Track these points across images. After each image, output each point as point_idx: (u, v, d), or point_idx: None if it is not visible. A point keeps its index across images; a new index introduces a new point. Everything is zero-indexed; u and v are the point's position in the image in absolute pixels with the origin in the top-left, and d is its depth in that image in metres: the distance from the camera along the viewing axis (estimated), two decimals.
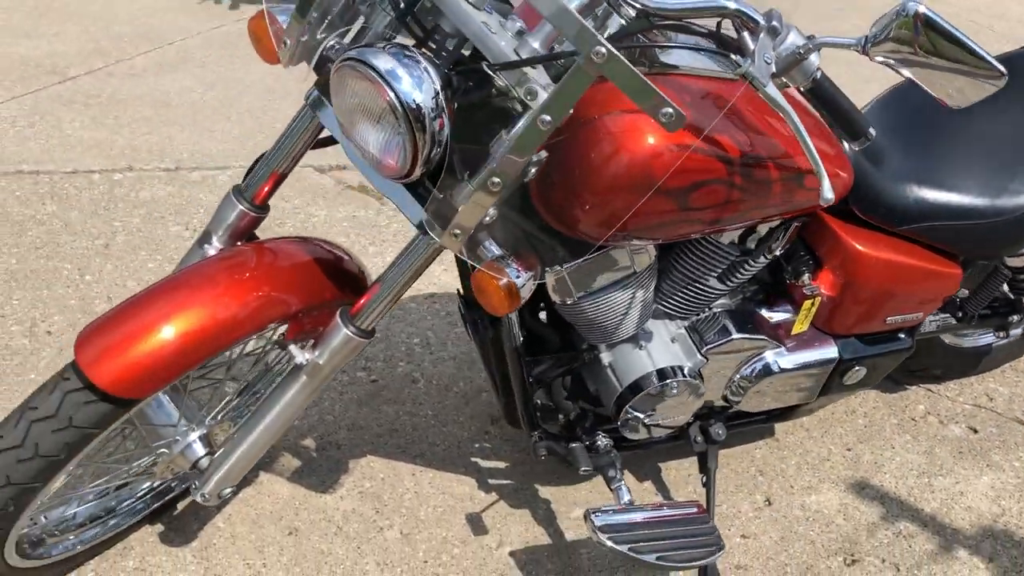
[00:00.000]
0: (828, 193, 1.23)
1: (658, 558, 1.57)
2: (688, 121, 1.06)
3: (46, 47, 3.98)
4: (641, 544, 1.57)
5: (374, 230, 2.84)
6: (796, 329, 1.73)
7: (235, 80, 3.85)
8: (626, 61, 1.04)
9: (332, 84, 1.22)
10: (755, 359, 1.71)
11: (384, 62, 1.14)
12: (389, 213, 2.93)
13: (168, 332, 1.27)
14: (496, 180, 1.15)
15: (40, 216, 2.76)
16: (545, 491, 1.94)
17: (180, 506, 1.83)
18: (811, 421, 2.14)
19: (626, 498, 1.66)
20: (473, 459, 2.01)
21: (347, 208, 2.93)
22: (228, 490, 1.52)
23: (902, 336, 1.84)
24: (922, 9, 1.10)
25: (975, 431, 2.17)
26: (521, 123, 1.11)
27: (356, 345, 1.38)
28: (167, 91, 3.70)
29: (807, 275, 1.67)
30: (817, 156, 1.22)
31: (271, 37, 1.33)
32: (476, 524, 1.85)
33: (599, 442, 1.73)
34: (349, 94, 1.20)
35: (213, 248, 1.47)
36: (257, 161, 1.50)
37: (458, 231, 1.21)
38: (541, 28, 1.16)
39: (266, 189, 1.47)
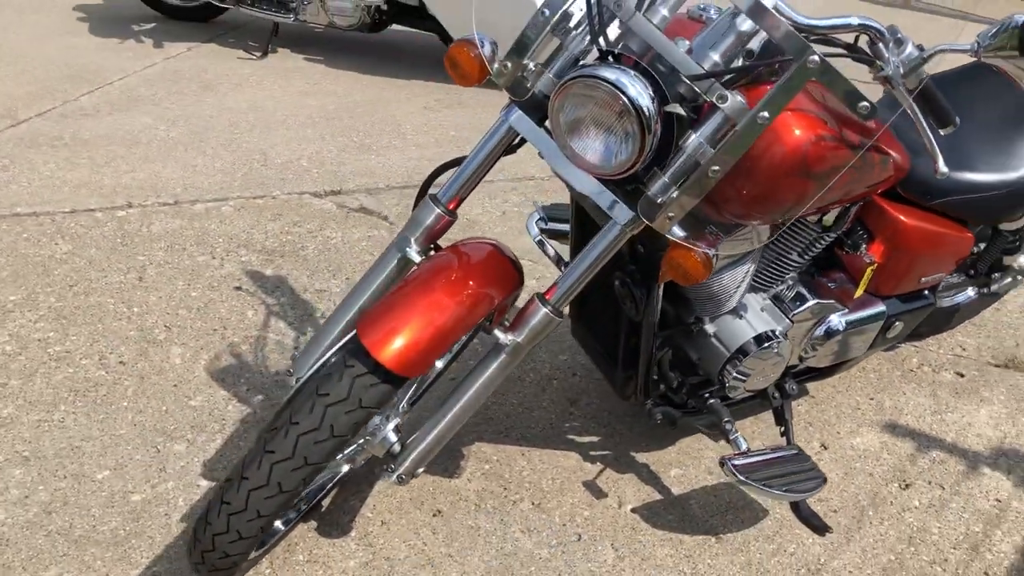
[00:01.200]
0: (943, 167, 1.55)
1: (785, 490, 1.85)
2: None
3: None
4: (767, 481, 1.85)
5: None
6: (857, 293, 2.05)
7: (195, 116, 3.90)
8: (833, 67, 1.32)
9: (556, 100, 1.44)
10: (826, 321, 2.03)
11: (617, 75, 1.37)
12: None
13: (435, 319, 1.45)
14: (716, 168, 1.40)
15: (58, 255, 2.76)
16: (641, 456, 2.17)
17: (325, 502, 1.95)
18: (834, 380, 2.48)
19: (744, 446, 1.93)
20: (568, 436, 2.22)
21: (359, 230, 3.07)
22: (421, 469, 1.68)
23: (927, 294, 2.21)
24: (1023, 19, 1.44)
25: (961, 375, 2.57)
26: (744, 121, 1.37)
27: (553, 324, 1.59)
28: (130, 130, 3.70)
29: (864, 246, 2.00)
30: (935, 141, 1.54)
31: (474, 61, 1.54)
32: (594, 489, 2.06)
33: (712, 402, 2.00)
34: (577, 107, 1.42)
35: (413, 249, 1.63)
36: (438, 171, 1.69)
37: (672, 214, 1.46)
38: (719, 44, 1.44)
39: (459, 196, 1.65)
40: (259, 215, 3.10)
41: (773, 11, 1.33)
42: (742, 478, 1.81)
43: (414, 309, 1.45)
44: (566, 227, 2.10)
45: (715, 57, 1.45)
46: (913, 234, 2.00)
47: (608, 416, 2.30)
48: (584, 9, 1.47)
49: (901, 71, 1.46)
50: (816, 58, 1.31)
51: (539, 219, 2.20)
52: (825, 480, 1.90)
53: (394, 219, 3.16)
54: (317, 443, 1.41)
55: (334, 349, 1.53)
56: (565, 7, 1.49)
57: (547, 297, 1.58)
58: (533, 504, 2.01)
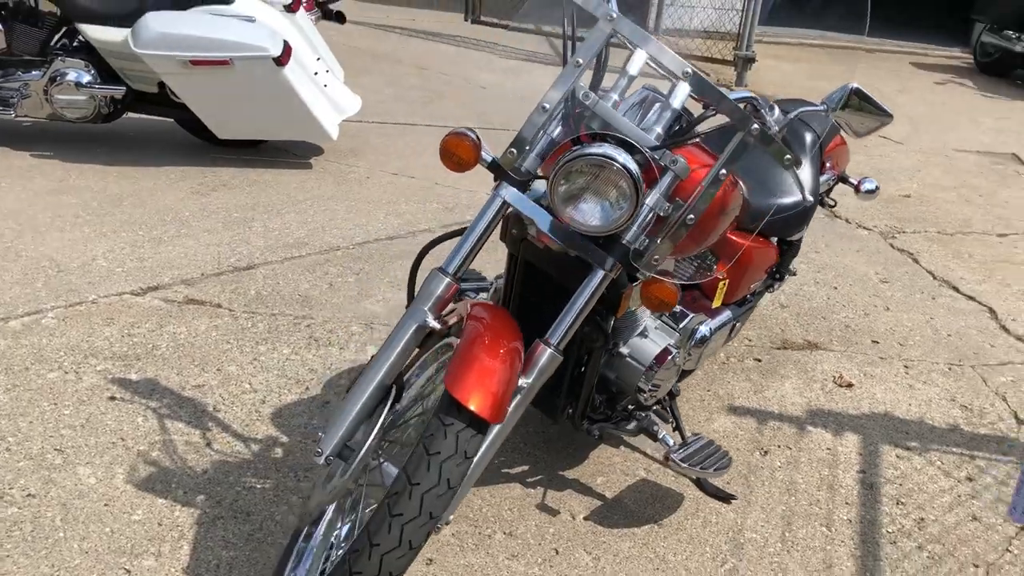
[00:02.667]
0: (809, 196, 2.07)
1: (715, 469, 2.26)
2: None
3: None
4: (702, 464, 2.25)
5: (241, 333, 3.02)
6: (715, 304, 2.55)
7: None
8: (771, 134, 1.77)
9: (557, 177, 1.73)
10: (698, 331, 2.49)
11: (618, 153, 1.71)
12: (242, 320, 3.11)
13: (504, 371, 1.65)
14: (692, 217, 1.79)
15: None
16: (569, 473, 2.47)
17: None
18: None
19: (672, 442, 2.32)
20: (502, 471, 2.44)
21: (201, 321, 3.04)
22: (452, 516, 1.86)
23: (750, 298, 2.77)
24: (856, 85, 2.00)
25: (759, 360, 3.20)
26: (707, 179, 1.77)
27: (556, 362, 1.85)
28: None
29: (714, 267, 2.50)
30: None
31: (472, 151, 1.79)
32: (548, 509, 2.32)
33: (636, 413, 2.36)
34: (580, 181, 1.73)
35: (430, 318, 1.81)
36: (433, 243, 1.90)
37: (658, 257, 1.81)
38: (660, 119, 1.84)
39: (463, 264, 1.86)
40: (88, 322, 2.96)
41: (720, 90, 1.75)
42: (685, 467, 2.20)
43: (489, 365, 1.65)
44: None
45: (658, 129, 1.84)
46: (749, 253, 2.54)
47: (525, 446, 2.57)
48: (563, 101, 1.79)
49: (776, 128, 1.95)
50: (756, 127, 1.75)
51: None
52: (731, 459, 2.35)
53: (229, 305, 3.17)
54: (439, 497, 1.55)
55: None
56: (559, 105, 1.79)
57: (549, 341, 1.85)
58: (505, 534, 2.23)
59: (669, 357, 2.26)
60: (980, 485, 2.61)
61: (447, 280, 1.83)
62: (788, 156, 1.78)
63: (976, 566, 2.29)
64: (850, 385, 3.07)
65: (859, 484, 2.57)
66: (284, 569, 1.85)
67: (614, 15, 1.76)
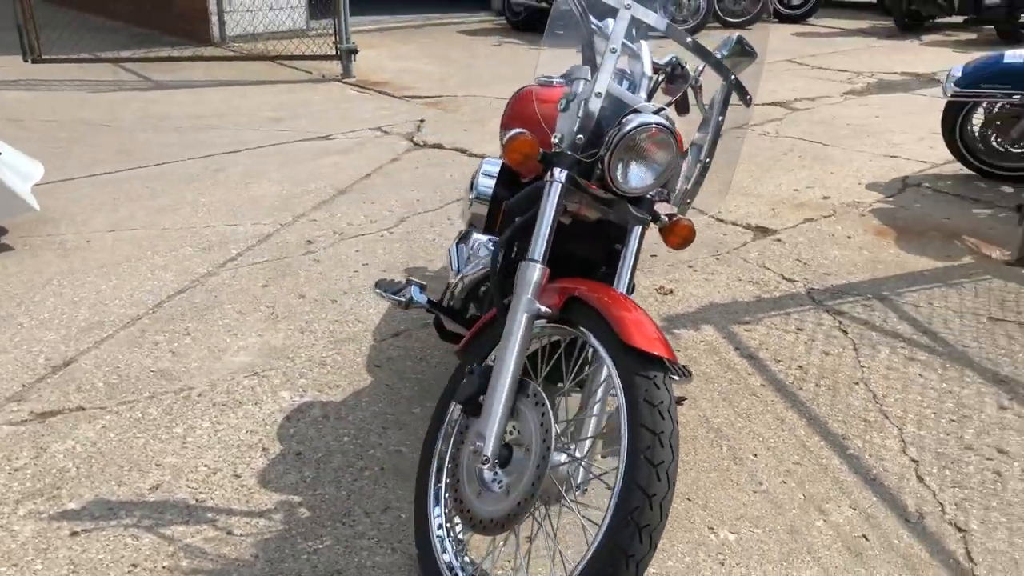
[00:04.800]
0: None
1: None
2: None
3: None
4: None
5: (139, 425, 2.73)
6: None
7: None
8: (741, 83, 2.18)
9: (623, 149, 1.97)
10: None
11: (669, 123, 2.00)
12: (125, 413, 2.79)
13: (650, 319, 1.87)
14: (708, 161, 2.15)
15: None
16: None
17: None
18: None
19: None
20: None
21: (86, 426, 2.68)
22: None
23: None
24: (740, 34, 2.49)
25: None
26: (714, 126, 2.13)
27: None
28: None
29: None
30: None
31: (535, 147, 1.96)
32: None
33: None
34: (646, 150, 1.99)
35: (536, 303, 1.94)
36: (515, 234, 2.02)
37: (690, 200, 2.15)
38: (639, 87, 2.18)
39: (546, 248, 1.99)
40: None
41: (712, 53, 2.12)
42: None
43: (639, 317, 1.85)
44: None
45: (643, 95, 2.17)
46: None
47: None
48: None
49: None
50: (734, 78, 2.15)
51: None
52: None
53: (91, 404, 2.80)
54: (676, 443, 1.74)
55: None
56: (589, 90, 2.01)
57: (624, 293, 2.10)
58: None
59: None
60: (808, 330, 3.37)
61: (540, 267, 1.98)
62: (748, 96, 2.22)
63: (855, 383, 3.01)
64: (671, 292, 3.67)
65: (743, 357, 3.17)
66: None
67: (629, 3, 2.02)
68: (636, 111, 2.01)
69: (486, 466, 1.88)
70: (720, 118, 2.16)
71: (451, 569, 2.01)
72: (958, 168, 5.33)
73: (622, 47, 2.10)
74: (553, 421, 1.87)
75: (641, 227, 2.15)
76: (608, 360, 1.86)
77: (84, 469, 2.48)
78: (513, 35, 10.68)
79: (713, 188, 2.21)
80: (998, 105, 4.98)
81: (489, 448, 1.87)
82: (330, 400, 2.85)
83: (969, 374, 3.08)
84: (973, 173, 5.26)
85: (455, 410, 2.19)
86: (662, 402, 1.76)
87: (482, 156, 5.52)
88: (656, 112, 2.04)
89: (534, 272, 1.97)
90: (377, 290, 2.85)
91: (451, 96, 7.33)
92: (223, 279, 3.72)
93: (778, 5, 11.93)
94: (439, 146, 5.85)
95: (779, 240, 4.26)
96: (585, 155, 2.03)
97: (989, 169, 5.19)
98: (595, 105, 2.00)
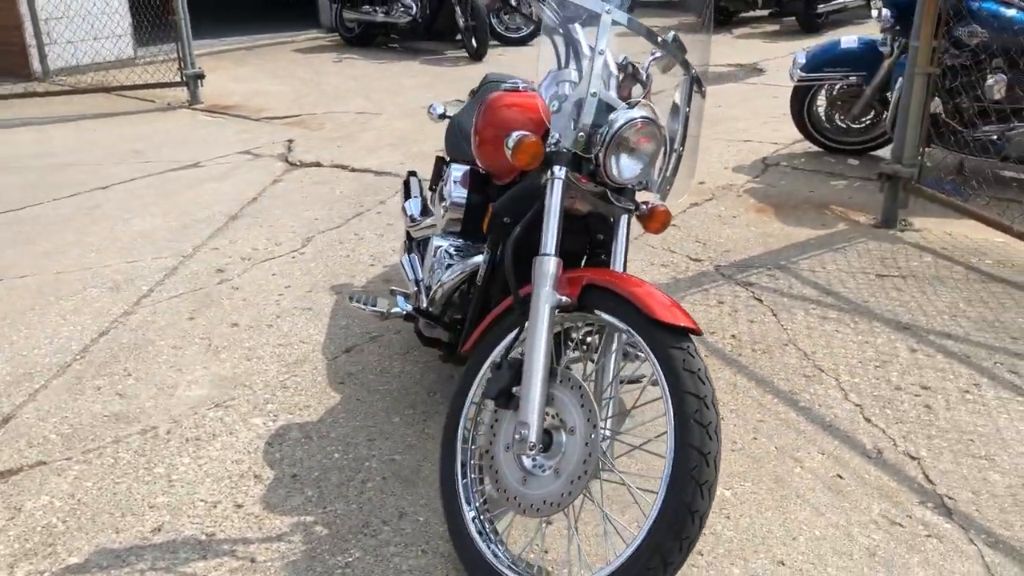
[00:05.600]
0: None
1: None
2: None
3: None
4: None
5: (113, 472, 2.62)
6: None
7: None
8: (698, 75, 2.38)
9: (615, 144, 2.11)
10: None
11: (652, 115, 2.16)
12: (93, 462, 2.67)
13: (667, 295, 2.01)
14: (681, 150, 2.32)
15: None
16: None
17: None
18: None
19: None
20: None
21: (57, 480, 2.56)
22: None
23: None
24: (675, 33, 2.68)
25: None
26: (683, 117, 2.31)
27: None
28: None
29: None
30: None
31: (539, 148, 2.07)
32: None
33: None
34: (636, 143, 2.13)
35: (557, 294, 2.04)
36: (523, 233, 2.11)
37: (670, 187, 2.32)
38: (609, 86, 2.35)
39: (558, 241, 2.10)
40: None
41: (672, 45, 2.29)
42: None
43: (660, 294, 2.00)
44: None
45: (613, 94, 2.32)
46: None
47: None
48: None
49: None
50: (695, 71, 2.34)
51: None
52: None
53: (49, 457, 2.66)
54: (715, 403, 1.89)
55: None
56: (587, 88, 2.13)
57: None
58: None
59: None
60: (728, 303, 3.64)
61: (555, 259, 2.09)
62: (704, 88, 2.42)
63: (785, 345, 3.30)
64: None
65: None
66: None
67: (609, 7, 2.16)
68: (614, 108, 2.17)
69: (533, 452, 1.97)
70: (687, 109, 2.34)
71: (496, 556, 2.09)
72: (807, 146, 5.84)
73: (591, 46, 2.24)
74: (594, 399, 1.98)
75: (627, 215, 2.30)
76: (638, 337, 1.99)
77: (72, 522, 2.37)
78: (350, 51, 10.64)
79: (683, 172, 2.39)
80: (838, 86, 5.50)
81: (534, 434, 1.96)
82: (306, 421, 2.84)
83: (877, 325, 3.44)
84: (821, 149, 5.78)
85: (472, 410, 2.27)
86: (699, 368, 1.92)
87: (365, 171, 5.55)
88: (632, 107, 2.19)
89: (550, 265, 2.08)
90: (355, 303, 2.86)
91: (310, 115, 7.26)
92: (144, 316, 3.59)
93: None
94: (318, 164, 5.80)
95: (675, 225, 4.55)
96: (582, 151, 2.16)
97: (835, 145, 5.72)
98: (591, 105, 2.13)
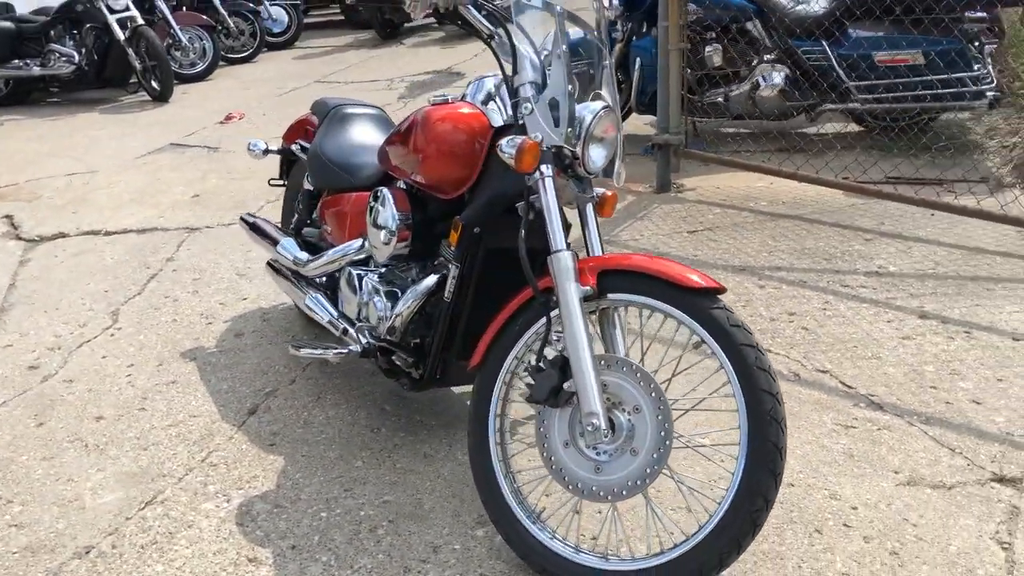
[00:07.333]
0: None
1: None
2: None
3: None
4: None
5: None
6: None
7: None
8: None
9: (590, 136, 2.20)
10: None
11: (608, 103, 2.27)
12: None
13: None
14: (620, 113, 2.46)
15: None
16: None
17: None
18: None
19: None
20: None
21: None
22: None
23: None
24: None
25: None
26: (616, 106, 2.45)
27: None
28: None
29: None
30: None
31: (539, 152, 2.11)
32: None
33: None
34: (604, 131, 2.23)
35: (580, 286, 2.09)
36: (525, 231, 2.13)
37: (620, 172, 2.44)
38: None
39: (567, 234, 2.14)
40: None
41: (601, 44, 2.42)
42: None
43: (675, 264, 2.12)
44: None
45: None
46: None
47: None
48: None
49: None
50: (610, 60, 2.49)
51: None
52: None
53: None
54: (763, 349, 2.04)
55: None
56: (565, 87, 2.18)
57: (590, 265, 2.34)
58: None
59: None
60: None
61: (569, 252, 2.15)
62: (622, 81, 2.58)
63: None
64: None
65: None
66: None
67: (559, 8, 2.23)
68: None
69: (606, 439, 2.02)
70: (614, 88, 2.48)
71: (577, 550, 2.12)
72: None
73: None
74: (651, 373, 2.07)
75: (591, 204, 2.40)
76: (673, 308, 2.10)
77: None
78: (6, 112, 9.46)
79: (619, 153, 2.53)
80: None
81: (603, 421, 2.01)
82: (263, 491, 2.61)
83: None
84: None
85: (499, 422, 2.27)
86: (742, 322, 2.08)
87: (125, 232, 5.08)
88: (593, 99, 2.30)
89: (567, 259, 2.13)
90: (304, 351, 2.67)
91: (11, 186, 6.39)
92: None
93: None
94: (63, 235, 5.18)
95: None
96: (555, 148, 2.22)
97: None
98: (570, 101, 2.20)
